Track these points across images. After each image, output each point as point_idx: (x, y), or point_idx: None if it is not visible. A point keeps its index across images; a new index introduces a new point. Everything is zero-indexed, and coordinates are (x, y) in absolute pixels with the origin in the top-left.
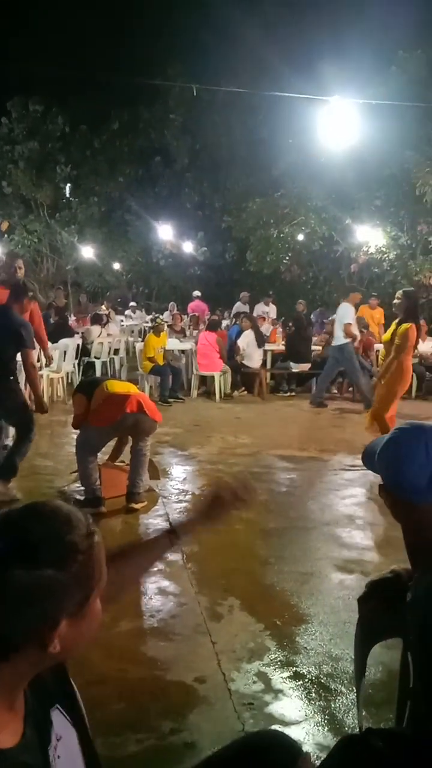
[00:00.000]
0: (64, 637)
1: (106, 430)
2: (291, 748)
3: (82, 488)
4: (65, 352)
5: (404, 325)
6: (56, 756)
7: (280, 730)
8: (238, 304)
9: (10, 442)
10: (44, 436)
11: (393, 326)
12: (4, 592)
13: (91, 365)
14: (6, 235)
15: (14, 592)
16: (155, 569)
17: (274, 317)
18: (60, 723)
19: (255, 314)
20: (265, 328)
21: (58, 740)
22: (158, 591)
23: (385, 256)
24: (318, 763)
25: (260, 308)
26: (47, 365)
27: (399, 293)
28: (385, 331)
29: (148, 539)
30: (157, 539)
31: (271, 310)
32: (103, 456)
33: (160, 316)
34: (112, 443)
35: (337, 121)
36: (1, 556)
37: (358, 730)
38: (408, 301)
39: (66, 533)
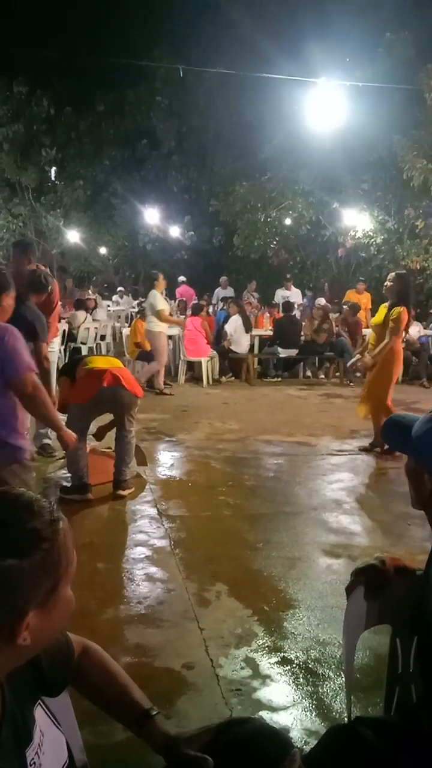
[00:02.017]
0: (33, 628)
1: (86, 407)
2: (281, 740)
3: (69, 475)
4: None
5: (397, 308)
6: (38, 755)
7: (267, 721)
8: (218, 289)
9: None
10: (30, 421)
11: (383, 309)
12: None
13: (78, 351)
14: None
15: None
16: (143, 556)
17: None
18: (43, 720)
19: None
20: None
21: (42, 736)
22: (145, 577)
23: (373, 240)
24: (306, 750)
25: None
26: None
27: (391, 275)
28: (373, 316)
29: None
30: (134, 706)
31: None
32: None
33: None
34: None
35: (324, 104)
36: None
37: (346, 717)
38: (400, 284)
39: (27, 520)
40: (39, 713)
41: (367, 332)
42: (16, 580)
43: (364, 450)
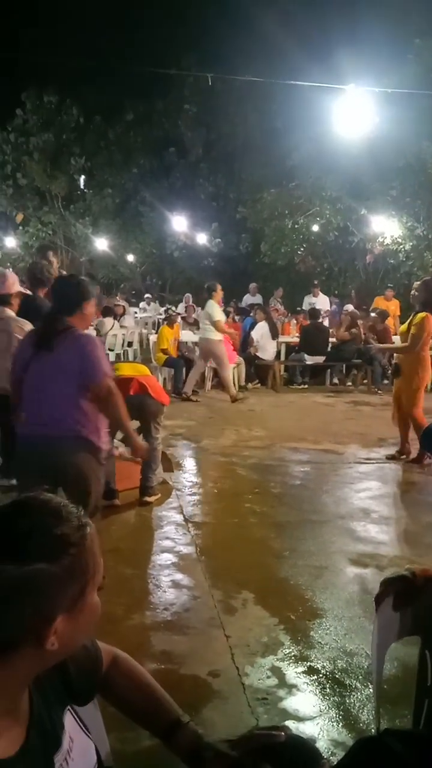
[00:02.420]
0: (61, 633)
1: None
2: (310, 751)
3: None
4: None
5: (420, 315)
6: (66, 761)
7: (295, 730)
8: (247, 296)
9: None
10: None
11: (411, 318)
12: None
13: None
14: (21, 227)
15: (5, 588)
16: (169, 562)
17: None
18: (72, 726)
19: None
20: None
21: (71, 742)
22: (172, 584)
23: (401, 246)
24: (333, 761)
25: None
26: None
27: (416, 284)
28: (402, 323)
29: (160, 708)
30: (164, 715)
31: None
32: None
33: (173, 308)
34: None
35: (352, 110)
36: None
37: (374, 728)
38: (426, 292)
39: (56, 526)
40: (68, 719)
41: (396, 339)
42: (45, 584)
43: (391, 458)
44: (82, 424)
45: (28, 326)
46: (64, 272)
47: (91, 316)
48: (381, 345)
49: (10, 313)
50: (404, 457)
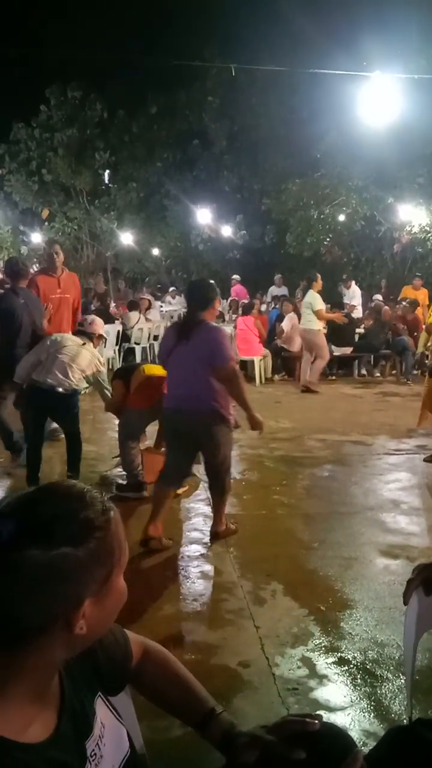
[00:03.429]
0: (89, 617)
1: (144, 412)
2: (344, 739)
3: (124, 473)
4: (105, 339)
5: None
6: (98, 746)
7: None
8: (273, 287)
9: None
10: (87, 422)
11: None
12: (22, 573)
13: (131, 351)
14: (46, 223)
15: (33, 573)
16: (198, 553)
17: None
18: (104, 712)
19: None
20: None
21: (103, 728)
22: (201, 575)
23: (429, 235)
24: (365, 751)
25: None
26: None
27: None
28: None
29: (193, 699)
30: (197, 706)
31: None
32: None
33: None
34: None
35: (378, 98)
36: (15, 537)
37: (406, 718)
38: None
39: (80, 510)
40: (100, 705)
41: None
42: (72, 568)
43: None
44: (215, 399)
45: None
46: (68, 266)
47: (217, 311)
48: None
49: None
50: None
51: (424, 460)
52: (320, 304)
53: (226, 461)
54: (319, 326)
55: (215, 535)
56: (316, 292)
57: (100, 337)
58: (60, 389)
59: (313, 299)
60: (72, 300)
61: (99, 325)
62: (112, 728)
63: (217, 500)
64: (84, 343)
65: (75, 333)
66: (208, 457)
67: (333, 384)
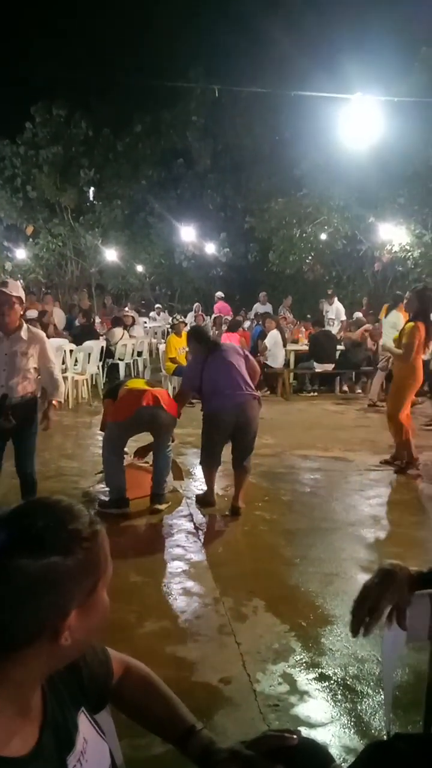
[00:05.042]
0: (74, 628)
1: (123, 425)
2: (322, 754)
3: (107, 489)
4: (89, 354)
5: (409, 324)
6: (80, 762)
7: (306, 734)
8: (257, 304)
9: None
10: (69, 437)
11: (403, 327)
12: (12, 583)
13: (115, 367)
14: (31, 239)
15: (23, 582)
16: (179, 570)
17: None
18: (86, 728)
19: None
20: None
21: (85, 743)
22: (183, 592)
23: (410, 254)
24: (344, 766)
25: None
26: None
27: (408, 293)
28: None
29: (174, 717)
30: (178, 724)
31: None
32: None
33: (179, 317)
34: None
35: (359, 119)
36: (6, 548)
37: (385, 733)
38: (418, 300)
39: (69, 522)
40: (82, 720)
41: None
42: (60, 577)
43: (385, 462)
44: (253, 388)
45: None
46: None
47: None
48: (387, 345)
49: None
50: (398, 463)
51: (395, 472)
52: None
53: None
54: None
55: (238, 510)
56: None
57: None
58: None
59: (398, 320)
60: None
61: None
62: (95, 744)
63: (245, 477)
64: None
65: None
66: (249, 436)
67: (315, 400)
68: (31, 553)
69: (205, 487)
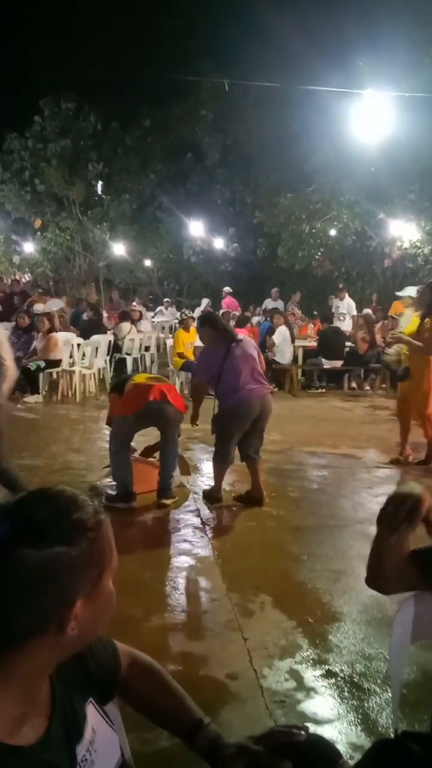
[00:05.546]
0: (80, 618)
1: (130, 419)
2: (329, 750)
3: (114, 483)
4: (97, 349)
5: (429, 319)
6: (89, 752)
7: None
8: (268, 300)
9: None
10: (77, 431)
11: (415, 320)
12: (16, 574)
13: (123, 361)
14: (39, 233)
15: (27, 573)
16: (186, 565)
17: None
18: (95, 718)
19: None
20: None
21: (94, 734)
22: (189, 587)
23: (420, 251)
24: (351, 764)
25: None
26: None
27: (422, 286)
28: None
29: (181, 710)
30: (185, 717)
31: (279, 305)
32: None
33: (187, 311)
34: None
35: (370, 115)
36: (9, 539)
37: (392, 731)
38: (430, 294)
39: (73, 511)
40: (90, 710)
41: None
42: (65, 567)
43: (421, 463)
44: (267, 382)
45: None
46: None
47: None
48: (403, 336)
49: None
50: (404, 459)
51: (390, 462)
52: None
53: None
54: None
55: (262, 499)
56: None
57: None
58: None
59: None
60: None
61: None
62: (104, 735)
63: (259, 466)
64: None
65: None
66: (263, 427)
67: (323, 397)
68: (34, 543)
69: (211, 483)
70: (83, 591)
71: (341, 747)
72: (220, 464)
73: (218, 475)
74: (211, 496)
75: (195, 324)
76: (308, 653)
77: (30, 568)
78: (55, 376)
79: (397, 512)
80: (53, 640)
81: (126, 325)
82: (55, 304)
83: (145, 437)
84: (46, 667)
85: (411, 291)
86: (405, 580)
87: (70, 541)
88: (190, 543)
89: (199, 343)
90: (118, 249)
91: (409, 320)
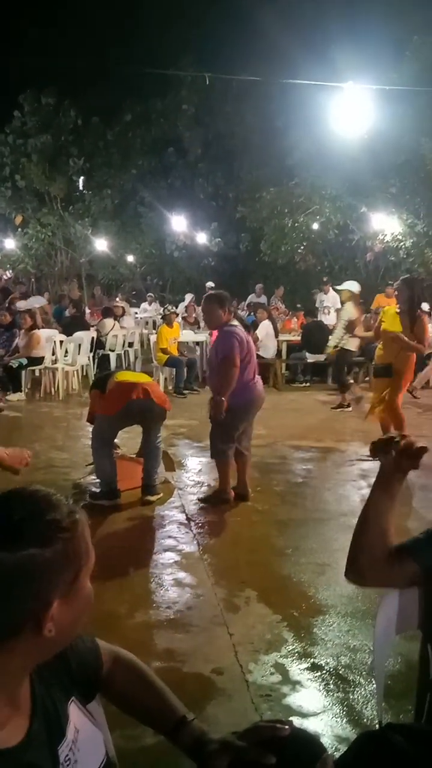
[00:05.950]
0: (58, 619)
1: (113, 418)
2: (314, 745)
3: (98, 480)
4: (80, 345)
5: (392, 309)
6: (72, 751)
7: (298, 726)
8: (252, 296)
9: None
10: (60, 429)
11: (395, 317)
12: None
13: (106, 358)
14: (20, 229)
15: (1, 575)
16: (171, 561)
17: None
18: (78, 717)
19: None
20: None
21: (77, 733)
22: (174, 582)
23: (402, 244)
24: (336, 756)
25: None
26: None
27: (398, 282)
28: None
29: (164, 707)
30: (168, 714)
31: (263, 301)
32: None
33: (170, 307)
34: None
35: (351, 108)
36: None
37: (377, 723)
38: (409, 289)
39: (47, 512)
40: (73, 709)
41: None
42: (40, 568)
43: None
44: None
45: None
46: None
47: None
48: (404, 339)
49: None
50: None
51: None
52: None
53: None
54: None
55: (243, 497)
56: None
57: None
58: None
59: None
60: None
61: None
62: (88, 734)
63: (249, 463)
64: None
65: None
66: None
67: (307, 391)
68: (7, 545)
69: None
70: (60, 592)
71: (327, 740)
72: (226, 461)
73: (226, 474)
74: (222, 498)
75: (202, 303)
76: (293, 647)
77: (3, 571)
78: (37, 373)
79: (389, 440)
80: (30, 642)
81: (109, 322)
82: (37, 301)
83: (128, 434)
84: (24, 667)
85: (350, 285)
86: (385, 568)
87: (44, 542)
88: (175, 539)
89: (183, 338)
90: (100, 245)
91: (349, 313)
